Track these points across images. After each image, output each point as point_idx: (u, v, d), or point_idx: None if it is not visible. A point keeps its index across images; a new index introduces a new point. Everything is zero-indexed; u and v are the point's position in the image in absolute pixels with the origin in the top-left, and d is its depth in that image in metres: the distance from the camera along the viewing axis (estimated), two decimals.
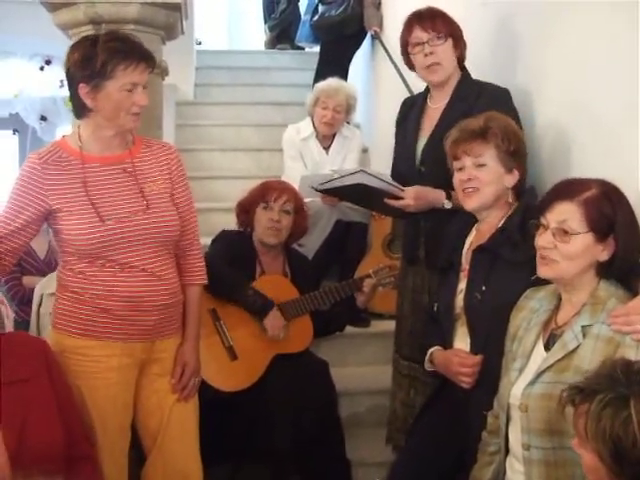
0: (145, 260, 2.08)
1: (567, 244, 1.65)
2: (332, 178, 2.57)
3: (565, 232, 1.65)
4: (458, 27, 2.46)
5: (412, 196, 2.38)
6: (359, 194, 2.50)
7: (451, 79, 2.47)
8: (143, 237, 2.07)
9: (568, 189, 1.69)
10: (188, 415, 2.22)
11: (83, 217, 2.03)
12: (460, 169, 2.09)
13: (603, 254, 1.67)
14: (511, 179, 2.07)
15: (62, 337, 2.10)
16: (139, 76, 2.01)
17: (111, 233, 2.03)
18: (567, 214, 1.65)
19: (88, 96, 2.01)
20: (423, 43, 2.41)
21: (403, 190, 2.39)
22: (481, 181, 2.05)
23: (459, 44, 2.45)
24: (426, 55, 2.42)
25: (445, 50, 2.42)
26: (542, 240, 1.69)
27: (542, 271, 1.72)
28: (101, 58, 1.98)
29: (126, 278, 2.06)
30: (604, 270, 1.68)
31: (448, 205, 2.36)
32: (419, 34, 2.43)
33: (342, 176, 2.50)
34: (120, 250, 2.05)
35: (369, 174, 2.39)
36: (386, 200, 2.41)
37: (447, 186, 2.32)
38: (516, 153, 2.07)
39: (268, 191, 2.92)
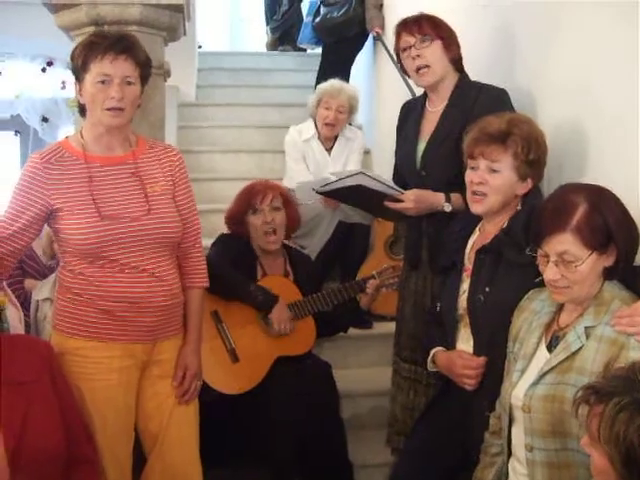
0: (145, 261, 2.07)
1: (575, 273, 1.64)
2: (331, 180, 2.55)
3: (569, 262, 1.64)
4: (448, 29, 2.43)
5: (412, 199, 2.37)
6: (359, 196, 2.49)
7: (447, 82, 2.44)
8: (143, 238, 2.06)
9: (557, 218, 1.66)
10: (188, 419, 2.21)
11: (83, 215, 2.03)
12: (473, 168, 2.05)
13: (608, 260, 1.67)
14: (523, 188, 2.03)
15: (63, 338, 2.09)
16: (111, 67, 2.00)
17: (110, 232, 2.02)
18: (565, 245, 1.64)
19: (79, 93, 2.07)
20: (410, 47, 2.40)
21: (403, 193, 2.38)
22: (491, 187, 2.01)
23: (451, 46, 2.42)
24: (414, 58, 2.40)
25: (433, 52, 2.39)
26: (549, 274, 1.67)
27: (557, 299, 1.72)
28: (81, 53, 2.03)
29: (125, 279, 2.05)
30: (608, 272, 1.68)
31: (448, 208, 2.34)
32: (406, 39, 2.42)
33: (341, 178, 2.48)
34: (120, 250, 2.04)
35: (369, 176, 2.38)
36: (386, 202, 2.40)
37: (448, 189, 2.32)
38: (535, 162, 2.02)
39: (252, 195, 2.87)
